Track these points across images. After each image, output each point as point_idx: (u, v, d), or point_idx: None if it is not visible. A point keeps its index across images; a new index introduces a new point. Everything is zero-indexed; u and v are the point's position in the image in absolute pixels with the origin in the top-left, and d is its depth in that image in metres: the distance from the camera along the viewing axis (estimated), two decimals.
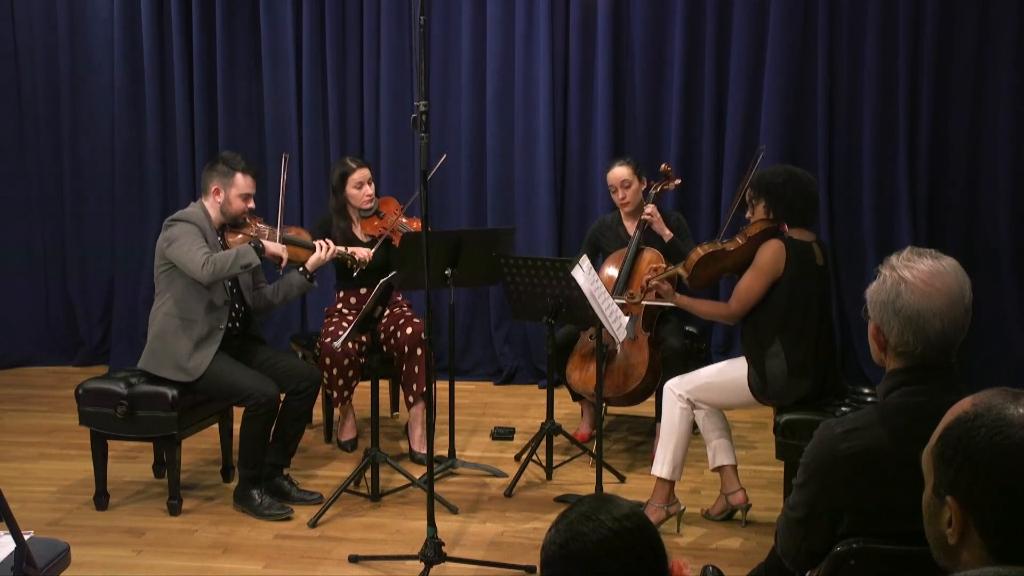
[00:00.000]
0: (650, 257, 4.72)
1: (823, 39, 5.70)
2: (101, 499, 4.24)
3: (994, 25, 5.53)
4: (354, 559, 3.70)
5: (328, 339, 4.63)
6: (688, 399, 3.88)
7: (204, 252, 4.06)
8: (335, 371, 4.69)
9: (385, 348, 4.79)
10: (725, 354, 5.77)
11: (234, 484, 4.34)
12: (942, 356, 2.01)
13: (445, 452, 4.68)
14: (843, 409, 3.70)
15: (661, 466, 3.88)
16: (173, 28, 6.38)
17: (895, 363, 2.05)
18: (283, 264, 4.30)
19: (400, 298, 4.95)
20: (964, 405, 1.42)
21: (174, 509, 4.16)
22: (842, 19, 5.73)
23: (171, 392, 4.11)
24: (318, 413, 5.20)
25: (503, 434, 5.12)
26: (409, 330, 4.72)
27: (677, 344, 4.63)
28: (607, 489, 4.15)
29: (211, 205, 4.27)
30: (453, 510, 4.14)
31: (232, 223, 4.31)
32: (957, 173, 5.68)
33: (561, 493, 4.33)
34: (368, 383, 4.31)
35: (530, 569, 3.58)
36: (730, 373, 3.87)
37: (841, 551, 1.97)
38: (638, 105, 6.04)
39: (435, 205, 6.00)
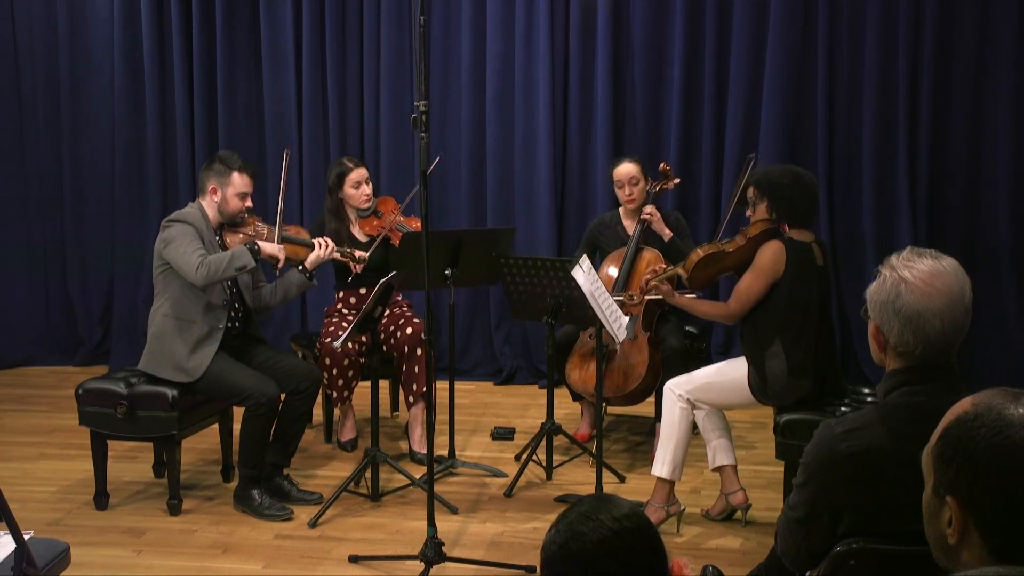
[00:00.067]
0: (650, 257, 4.72)
1: (823, 39, 5.71)
2: (101, 499, 4.24)
3: (994, 25, 5.53)
4: (354, 559, 3.70)
5: (328, 339, 4.64)
6: (688, 399, 3.88)
7: (199, 255, 4.05)
8: (335, 371, 4.69)
9: (385, 348, 4.79)
10: (725, 354, 5.77)
11: (234, 484, 4.34)
12: (942, 356, 2.01)
13: (445, 452, 4.68)
14: (843, 409, 3.70)
15: (661, 466, 3.88)
16: (173, 28, 6.38)
17: (895, 363, 2.05)
18: (280, 265, 4.30)
19: (400, 298, 4.95)
20: (964, 405, 1.42)
21: (174, 509, 4.16)
22: (842, 19, 5.73)
23: (171, 392, 4.11)
24: (318, 413, 5.20)
25: (503, 434, 5.12)
26: (409, 330, 4.72)
27: (677, 344, 4.63)
28: (607, 489, 4.15)
29: (208, 204, 4.26)
30: (453, 510, 4.14)
31: (230, 222, 4.31)
32: (957, 173, 5.68)
33: (561, 493, 4.33)
34: (368, 383, 4.31)
35: (530, 569, 3.58)
36: (730, 373, 3.87)
37: (841, 551, 1.97)
38: (638, 105, 6.04)
39: (435, 205, 6.00)
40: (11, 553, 2.34)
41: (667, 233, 4.76)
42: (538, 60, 6.02)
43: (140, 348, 4.36)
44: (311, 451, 4.94)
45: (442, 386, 4.74)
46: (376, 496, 4.28)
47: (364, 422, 4.99)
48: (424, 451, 4.39)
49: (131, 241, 6.49)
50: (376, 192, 5.04)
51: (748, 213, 3.93)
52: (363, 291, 4.86)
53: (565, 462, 4.67)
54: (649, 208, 4.76)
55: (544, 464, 4.56)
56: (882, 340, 2.05)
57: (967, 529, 1.36)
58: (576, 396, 4.95)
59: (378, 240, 4.68)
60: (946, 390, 1.95)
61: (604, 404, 4.74)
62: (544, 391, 4.76)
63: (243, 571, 3.68)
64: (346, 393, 4.77)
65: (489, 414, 5.57)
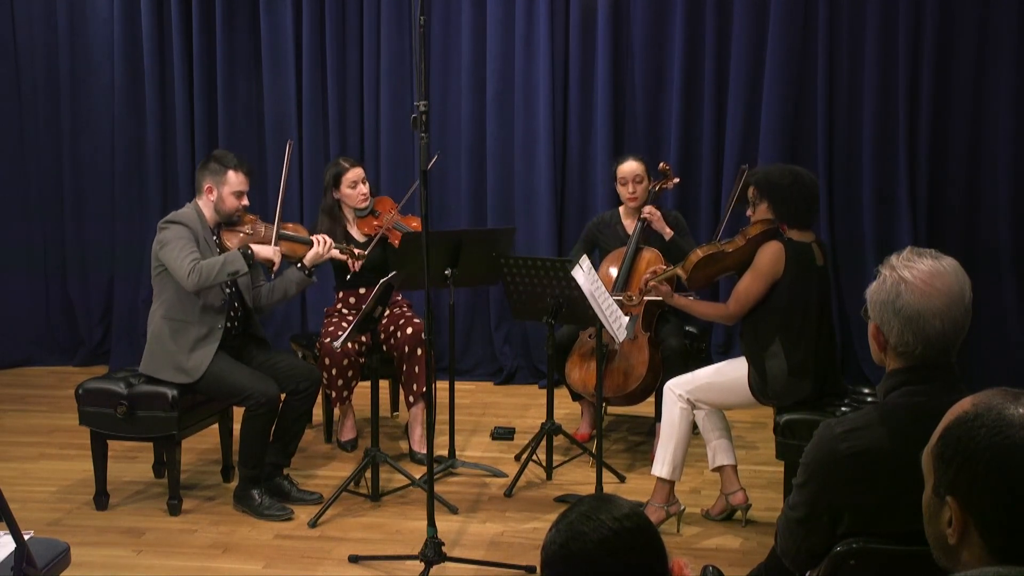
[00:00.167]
0: (649, 257, 4.72)
1: (823, 39, 5.70)
2: (101, 499, 4.24)
3: (994, 25, 5.53)
4: (354, 559, 3.70)
5: (328, 339, 4.64)
6: (688, 399, 3.89)
7: (192, 260, 4.03)
8: (335, 371, 4.69)
9: (385, 348, 4.79)
10: (725, 354, 5.77)
11: (234, 484, 4.34)
12: (942, 356, 2.01)
13: (445, 452, 4.68)
14: (843, 409, 3.70)
15: (661, 466, 3.88)
16: (173, 28, 6.38)
17: (895, 363, 2.05)
18: (274, 268, 4.29)
19: (400, 298, 4.95)
20: (964, 405, 1.42)
21: (174, 509, 4.16)
22: (842, 19, 5.73)
23: (171, 392, 4.11)
24: (318, 413, 5.20)
25: (503, 434, 5.12)
26: (409, 330, 4.72)
27: (677, 344, 4.63)
28: (607, 489, 4.15)
29: (205, 204, 4.25)
30: (453, 510, 4.14)
31: (227, 221, 4.30)
32: (957, 173, 5.68)
33: (561, 493, 4.33)
34: (368, 383, 4.31)
35: (530, 569, 3.58)
36: (730, 373, 3.87)
37: (841, 551, 1.97)
38: (638, 105, 6.04)
39: (435, 205, 6.00)
40: (11, 553, 2.34)
41: (668, 232, 4.76)
42: (538, 60, 6.02)
43: (140, 348, 4.36)
44: (311, 451, 4.94)
45: (442, 386, 4.75)
46: (376, 496, 4.28)
47: (364, 422, 4.99)
48: (424, 451, 4.39)
49: (131, 241, 6.49)
50: (376, 192, 5.04)
51: (748, 213, 3.94)
52: (363, 291, 4.86)
53: (565, 462, 4.67)
54: (648, 208, 4.76)
55: (544, 464, 4.56)
56: (882, 340, 2.05)
57: (967, 529, 1.36)
58: (576, 396, 4.95)
59: (375, 239, 4.68)
60: (946, 390, 1.95)
61: (604, 404, 4.73)
62: (544, 391, 4.76)
63: (243, 571, 3.68)
64: (346, 393, 4.77)
65: (489, 414, 5.57)
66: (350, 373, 4.73)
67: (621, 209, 5.00)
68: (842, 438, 1.98)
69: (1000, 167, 5.58)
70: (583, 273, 3.80)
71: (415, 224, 4.82)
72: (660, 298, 4.12)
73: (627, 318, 4.01)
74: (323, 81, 6.35)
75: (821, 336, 3.78)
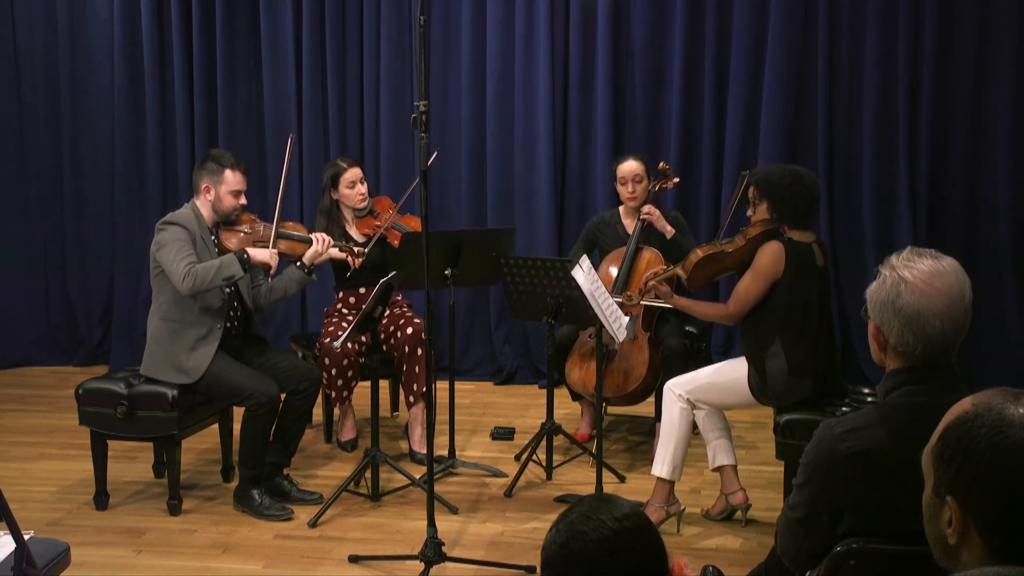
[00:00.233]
0: (649, 257, 4.72)
1: (823, 39, 5.70)
2: (101, 499, 4.24)
3: (994, 26, 5.53)
4: (354, 559, 3.70)
5: (328, 339, 4.64)
6: (688, 399, 3.88)
7: (187, 264, 4.03)
8: (335, 371, 4.69)
9: (385, 348, 4.79)
10: (725, 354, 5.77)
11: (234, 484, 4.34)
12: (942, 356, 2.01)
13: (445, 452, 4.68)
14: (843, 409, 3.70)
15: (661, 466, 3.88)
16: (173, 28, 6.38)
17: (895, 363, 2.05)
18: (271, 272, 4.29)
19: (400, 298, 4.95)
20: (964, 405, 1.42)
21: (174, 509, 4.16)
22: (842, 19, 5.73)
23: (171, 392, 4.11)
24: (318, 413, 5.20)
25: (503, 434, 5.12)
26: (409, 330, 4.72)
27: (677, 344, 4.63)
28: (607, 489, 4.15)
29: (203, 204, 4.25)
30: (453, 510, 4.14)
31: (225, 220, 4.29)
32: (957, 173, 5.68)
33: (561, 493, 4.33)
34: (368, 383, 4.31)
35: (530, 569, 3.58)
36: (730, 373, 3.87)
37: (841, 551, 1.97)
38: (638, 105, 6.04)
39: (434, 205, 6.00)
40: (11, 553, 2.34)
41: (669, 230, 4.76)
42: (538, 60, 6.02)
43: (140, 348, 4.37)
44: (311, 451, 4.94)
45: (442, 386, 4.75)
46: (376, 496, 4.28)
47: (364, 422, 4.99)
48: (424, 451, 4.39)
49: (131, 241, 6.49)
50: (375, 192, 5.04)
51: (749, 213, 3.94)
52: (363, 291, 4.87)
53: (565, 462, 4.67)
54: (648, 206, 4.76)
55: (544, 464, 4.56)
56: (882, 340, 2.05)
57: (967, 529, 1.36)
58: (576, 396, 4.95)
59: (374, 239, 4.68)
60: (946, 390, 1.95)
61: (604, 404, 4.74)
62: (544, 391, 4.76)
63: (243, 571, 3.68)
64: (346, 393, 4.77)
65: (489, 414, 5.57)
66: (350, 373, 4.74)
67: (621, 209, 5.00)
68: (842, 438, 1.98)
69: (1000, 167, 5.58)
70: (583, 273, 3.80)
71: (414, 224, 4.82)
72: (661, 299, 4.12)
73: (627, 318, 4.01)
74: (323, 81, 6.35)
75: (821, 336, 3.78)
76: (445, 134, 6.22)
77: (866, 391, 3.91)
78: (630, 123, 6.06)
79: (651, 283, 4.05)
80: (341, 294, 4.95)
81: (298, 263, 4.35)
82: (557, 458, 4.63)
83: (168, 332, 4.16)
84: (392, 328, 4.79)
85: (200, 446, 4.90)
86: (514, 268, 4.14)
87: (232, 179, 4.22)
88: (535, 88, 6.05)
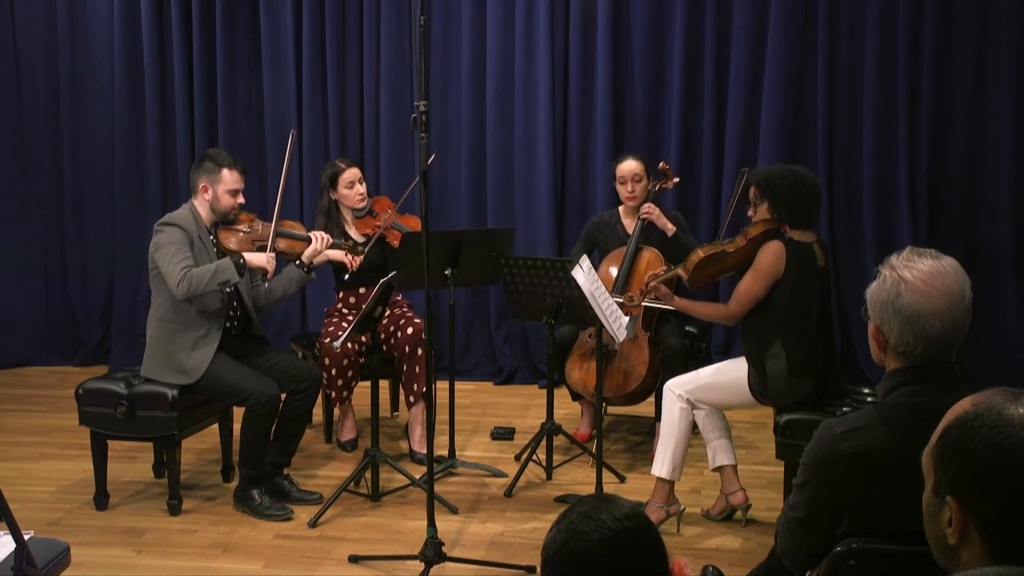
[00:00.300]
0: (649, 257, 4.72)
1: (823, 39, 5.70)
2: (101, 499, 4.24)
3: (994, 26, 5.53)
4: (354, 559, 3.70)
5: (328, 339, 4.64)
6: (688, 399, 3.88)
7: (183, 268, 4.02)
8: (335, 371, 4.69)
9: (385, 348, 4.79)
10: (725, 354, 5.77)
11: (234, 484, 4.34)
12: (942, 356, 2.01)
13: (445, 452, 4.68)
14: (843, 409, 3.70)
15: (661, 466, 3.88)
16: (173, 28, 6.38)
17: (895, 363, 2.05)
18: (268, 276, 4.28)
19: (400, 298, 4.96)
20: (964, 405, 1.42)
21: (174, 509, 4.16)
22: (842, 19, 5.73)
23: (171, 392, 4.11)
24: (318, 413, 5.20)
25: (503, 434, 5.12)
26: (409, 330, 4.72)
27: (677, 344, 4.63)
28: (607, 489, 4.15)
29: (200, 204, 4.24)
30: (453, 510, 4.15)
31: (224, 220, 4.29)
32: (957, 173, 5.69)
33: (561, 493, 4.33)
34: (368, 383, 4.31)
35: (530, 569, 3.58)
36: (730, 373, 3.87)
37: (841, 551, 1.97)
38: (638, 105, 6.04)
39: (434, 205, 6.00)
40: (11, 553, 2.34)
41: (670, 228, 4.76)
42: (538, 60, 6.02)
43: (140, 348, 4.36)
44: (311, 451, 4.94)
45: (442, 386, 4.75)
46: (376, 496, 4.28)
47: (364, 422, 4.99)
48: (424, 451, 4.39)
49: (131, 241, 6.49)
50: (375, 192, 5.04)
51: (749, 213, 3.94)
52: (363, 291, 4.87)
53: (565, 462, 4.67)
54: (647, 205, 4.76)
55: (544, 464, 4.56)
56: (882, 340, 2.05)
57: (967, 529, 1.36)
58: (576, 396, 4.95)
59: (373, 239, 4.68)
60: (946, 390, 1.95)
61: (604, 404, 4.74)
62: (544, 391, 4.76)
63: (243, 571, 3.68)
64: (346, 393, 4.77)
65: (489, 414, 5.57)
66: (350, 373, 4.74)
67: (621, 209, 5.00)
68: (842, 438, 1.98)
69: (1000, 167, 5.58)
70: (583, 273, 3.80)
71: (413, 224, 4.82)
72: (661, 301, 4.11)
73: (627, 318, 4.01)
74: (323, 81, 6.36)
75: (821, 336, 3.78)
76: (445, 134, 6.22)
77: (866, 391, 3.91)
78: (630, 123, 6.06)
79: (651, 284, 4.05)
80: (341, 294, 4.95)
81: (297, 262, 4.34)
82: (557, 458, 4.63)
83: (167, 333, 4.16)
84: (392, 328, 4.79)
85: (200, 446, 4.90)
86: (514, 268, 4.14)
87: (230, 178, 4.21)
88: (535, 88, 6.05)
